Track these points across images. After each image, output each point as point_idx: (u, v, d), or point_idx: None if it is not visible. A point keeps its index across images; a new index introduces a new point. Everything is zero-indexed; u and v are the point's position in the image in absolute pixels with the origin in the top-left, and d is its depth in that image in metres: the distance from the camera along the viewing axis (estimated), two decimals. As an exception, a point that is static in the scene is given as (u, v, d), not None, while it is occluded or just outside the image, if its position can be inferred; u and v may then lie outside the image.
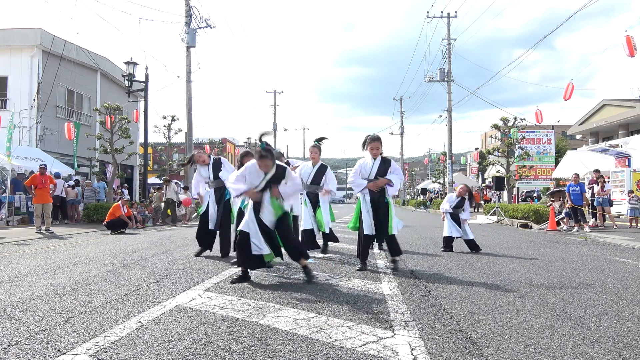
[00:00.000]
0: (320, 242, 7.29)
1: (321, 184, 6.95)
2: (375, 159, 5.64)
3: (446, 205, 8.11)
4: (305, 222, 6.93)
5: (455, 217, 7.92)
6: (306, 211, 6.94)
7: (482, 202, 25.98)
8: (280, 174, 4.77)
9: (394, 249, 5.74)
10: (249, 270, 4.87)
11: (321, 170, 6.96)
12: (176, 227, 13.99)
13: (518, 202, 25.76)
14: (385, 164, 5.65)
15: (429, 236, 10.56)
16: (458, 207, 7.97)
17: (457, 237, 7.85)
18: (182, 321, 3.33)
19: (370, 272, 5.51)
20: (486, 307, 3.83)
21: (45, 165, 12.56)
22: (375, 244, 8.13)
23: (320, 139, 6.90)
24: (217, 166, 6.85)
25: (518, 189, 29.45)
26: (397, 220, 5.74)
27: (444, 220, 8.05)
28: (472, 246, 7.84)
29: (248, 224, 4.72)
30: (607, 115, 29.06)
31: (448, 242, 7.91)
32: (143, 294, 4.26)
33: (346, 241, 8.63)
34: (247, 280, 4.77)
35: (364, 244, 5.72)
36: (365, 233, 5.64)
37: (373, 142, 5.61)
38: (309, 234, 6.92)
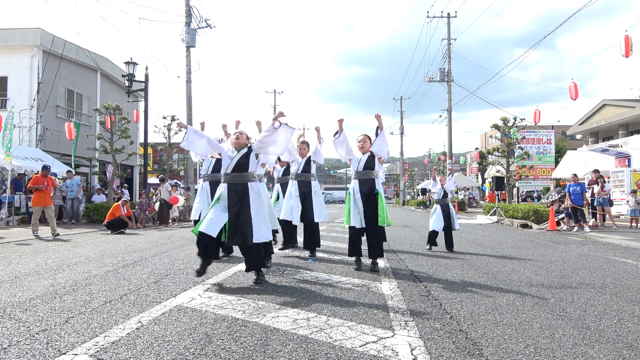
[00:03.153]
0: (300, 238, 7.21)
1: (311, 172, 6.90)
2: (363, 154, 5.84)
3: (434, 195, 8.48)
4: (285, 213, 6.76)
5: (444, 210, 8.03)
6: (290, 201, 6.77)
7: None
8: (248, 150, 4.87)
9: (376, 249, 5.62)
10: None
11: (309, 161, 6.91)
12: (169, 228, 13.98)
13: (518, 201, 25.78)
14: (372, 157, 5.82)
15: (429, 236, 10.55)
16: (445, 197, 8.22)
17: (441, 230, 7.96)
18: (182, 321, 3.33)
19: (369, 271, 5.51)
20: (486, 307, 3.83)
21: (48, 165, 11.70)
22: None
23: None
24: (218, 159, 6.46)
25: (518, 189, 29.47)
26: (387, 215, 5.65)
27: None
28: (448, 242, 7.90)
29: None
30: (607, 115, 29.07)
31: (432, 237, 8.02)
32: (143, 294, 4.26)
33: (347, 241, 8.62)
34: (205, 270, 4.78)
35: (352, 236, 5.72)
36: (351, 224, 5.63)
37: (362, 136, 5.94)
38: (287, 225, 6.83)
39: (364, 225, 5.59)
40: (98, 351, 2.70)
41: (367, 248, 5.72)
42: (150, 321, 3.32)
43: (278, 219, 6.54)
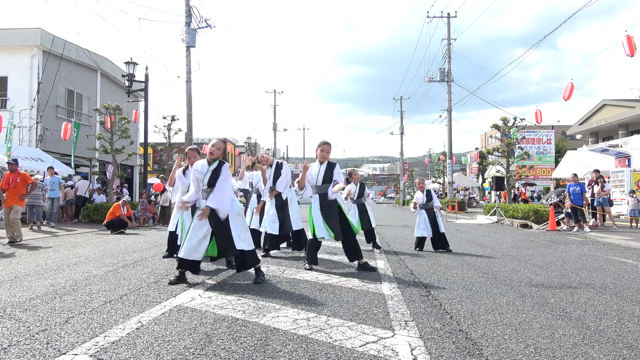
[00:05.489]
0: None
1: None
2: (322, 163, 5.70)
3: (417, 203, 8.22)
4: (264, 224, 6.83)
5: (428, 215, 7.95)
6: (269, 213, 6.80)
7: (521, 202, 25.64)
8: (219, 163, 4.77)
9: (356, 252, 5.63)
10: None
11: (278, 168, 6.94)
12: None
13: (518, 202, 25.76)
14: (330, 168, 5.69)
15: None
16: (429, 201, 8.07)
17: (429, 236, 7.93)
18: (182, 321, 3.33)
19: (370, 272, 5.51)
20: (486, 307, 3.83)
21: (14, 160, 9.80)
22: (369, 244, 8.14)
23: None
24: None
25: (518, 188, 29.49)
26: (353, 224, 5.71)
27: (415, 209, 8.16)
28: (440, 243, 7.84)
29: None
30: (607, 115, 29.07)
31: (420, 242, 7.98)
32: (143, 294, 4.26)
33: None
34: (184, 280, 4.76)
35: (311, 247, 5.68)
36: (311, 236, 5.62)
37: (324, 145, 5.66)
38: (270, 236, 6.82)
39: (323, 236, 5.56)
40: (98, 351, 2.69)
41: (345, 254, 5.75)
42: (150, 321, 3.32)
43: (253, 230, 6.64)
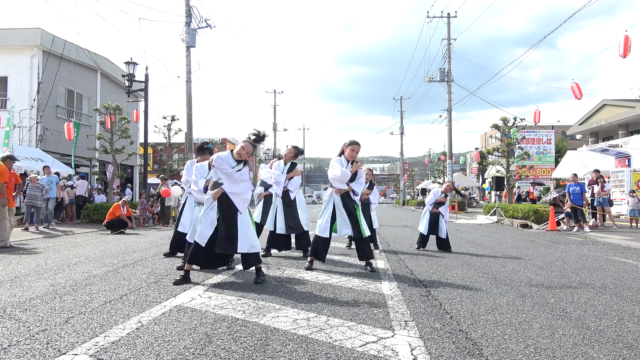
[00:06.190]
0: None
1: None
2: (349, 162, 5.71)
3: (431, 198, 8.19)
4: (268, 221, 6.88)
5: (432, 215, 7.96)
6: (275, 209, 6.83)
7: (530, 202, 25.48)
8: (245, 163, 4.79)
9: (363, 253, 5.66)
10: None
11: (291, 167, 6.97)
12: (169, 228, 13.94)
13: (519, 202, 25.77)
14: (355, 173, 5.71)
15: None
16: (440, 205, 8.04)
17: (426, 234, 7.99)
18: (182, 321, 3.33)
19: (370, 272, 5.51)
20: (486, 307, 3.83)
21: (11, 156, 9.32)
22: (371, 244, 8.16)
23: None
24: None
25: (519, 188, 29.49)
26: (365, 225, 5.68)
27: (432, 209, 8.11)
28: (443, 246, 7.88)
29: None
30: (607, 115, 29.06)
31: (422, 240, 8.03)
32: (143, 294, 4.26)
33: (346, 241, 8.62)
34: (189, 281, 4.76)
35: (321, 244, 5.69)
36: (317, 233, 5.67)
37: (354, 145, 5.67)
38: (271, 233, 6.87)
39: (328, 235, 5.62)
40: (98, 351, 2.69)
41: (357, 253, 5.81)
42: (150, 321, 3.32)
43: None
